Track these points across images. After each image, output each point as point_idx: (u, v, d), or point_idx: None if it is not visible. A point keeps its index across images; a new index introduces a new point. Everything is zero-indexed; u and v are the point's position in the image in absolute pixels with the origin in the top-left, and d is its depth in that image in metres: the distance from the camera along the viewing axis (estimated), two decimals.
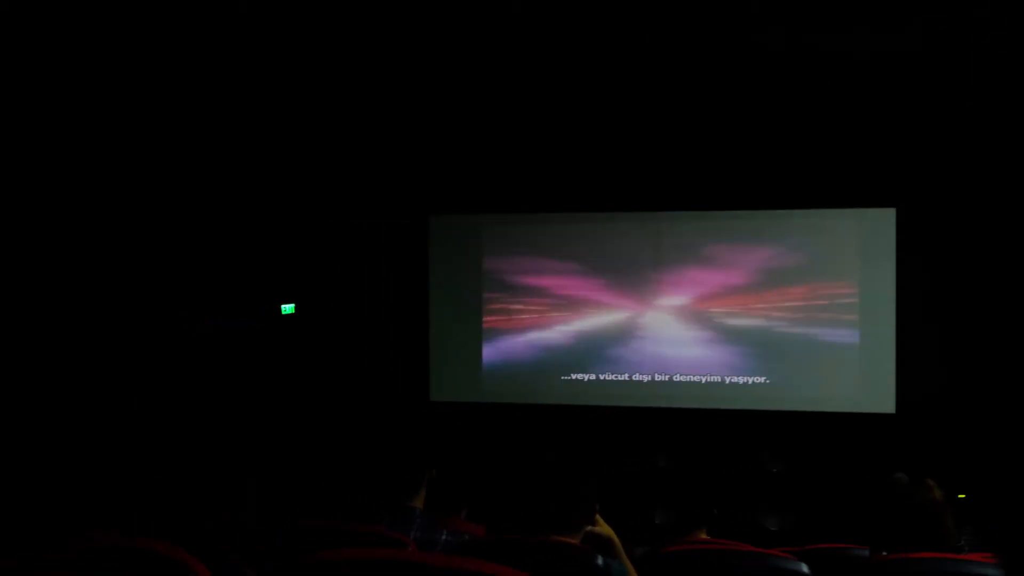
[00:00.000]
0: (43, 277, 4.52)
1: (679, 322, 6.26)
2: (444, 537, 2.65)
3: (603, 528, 2.43)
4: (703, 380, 6.23)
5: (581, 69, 5.13)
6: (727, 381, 6.19)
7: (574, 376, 6.41)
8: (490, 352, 6.58)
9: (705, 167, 6.18)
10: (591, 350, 6.40)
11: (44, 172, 4.60)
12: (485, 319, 6.58)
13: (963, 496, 5.36)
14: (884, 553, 2.34)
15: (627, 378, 6.33)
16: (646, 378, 6.32)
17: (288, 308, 6.23)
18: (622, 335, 6.35)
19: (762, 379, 6.15)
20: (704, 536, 3.08)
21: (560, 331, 6.45)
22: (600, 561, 2.12)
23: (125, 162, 5.05)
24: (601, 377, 6.37)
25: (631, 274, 6.35)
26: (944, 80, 5.22)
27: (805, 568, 2.21)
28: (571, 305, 6.43)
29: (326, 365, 6.48)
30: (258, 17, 4.17)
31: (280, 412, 6.00)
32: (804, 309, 6.09)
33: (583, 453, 5.88)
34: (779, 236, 6.18)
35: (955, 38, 4.57)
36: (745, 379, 6.17)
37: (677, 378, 6.27)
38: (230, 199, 5.76)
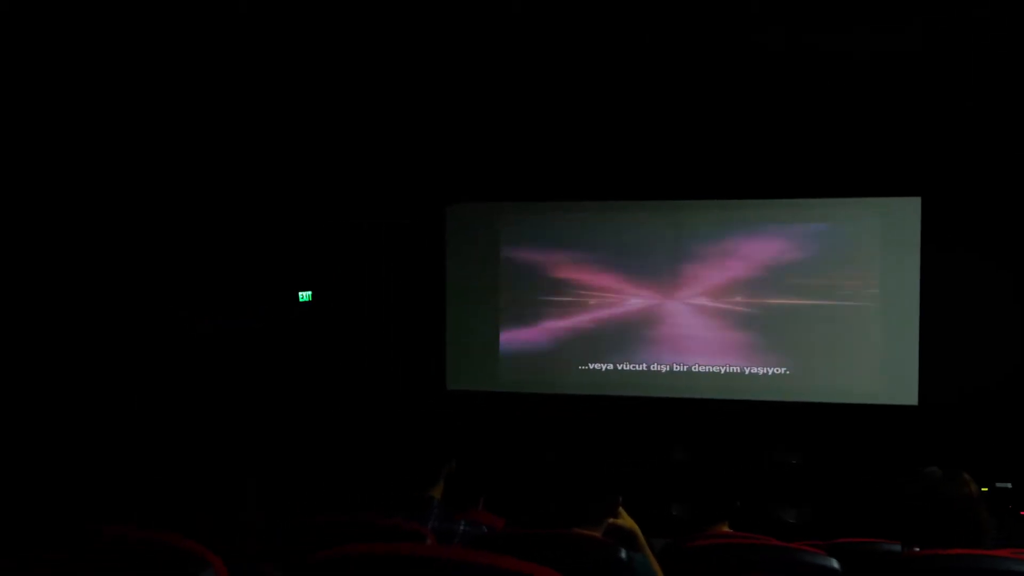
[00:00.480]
0: (43, 278, 4.50)
1: (698, 311, 6.19)
2: (462, 528, 2.61)
3: (626, 521, 2.38)
4: (722, 370, 6.16)
5: (600, 58, 5.06)
6: (746, 372, 6.12)
7: (592, 365, 6.35)
8: (507, 341, 6.52)
9: (725, 155, 6.09)
10: (609, 339, 6.33)
11: (44, 172, 4.57)
12: (502, 308, 6.53)
13: (985, 489, 5.29)
14: (916, 549, 2.27)
15: (645, 368, 6.27)
16: (664, 368, 6.25)
17: (305, 296, 6.21)
18: (640, 324, 6.29)
19: (782, 370, 6.07)
20: (727, 529, 3.03)
21: (578, 320, 6.39)
22: (623, 554, 2.06)
23: (126, 162, 5.02)
24: (619, 367, 6.31)
25: (650, 263, 6.28)
26: (968, 65, 5.11)
27: (835, 563, 2.15)
28: (589, 294, 6.37)
29: (341, 356, 6.45)
30: (261, 14, 4.13)
31: (295, 406, 5.98)
32: (826, 299, 6.00)
33: (603, 444, 5.82)
34: (801, 225, 6.09)
35: (977, 25, 4.49)
36: (765, 370, 6.10)
37: (696, 368, 6.21)
38: (233, 197, 5.72)
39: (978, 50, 4.78)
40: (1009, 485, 5.38)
